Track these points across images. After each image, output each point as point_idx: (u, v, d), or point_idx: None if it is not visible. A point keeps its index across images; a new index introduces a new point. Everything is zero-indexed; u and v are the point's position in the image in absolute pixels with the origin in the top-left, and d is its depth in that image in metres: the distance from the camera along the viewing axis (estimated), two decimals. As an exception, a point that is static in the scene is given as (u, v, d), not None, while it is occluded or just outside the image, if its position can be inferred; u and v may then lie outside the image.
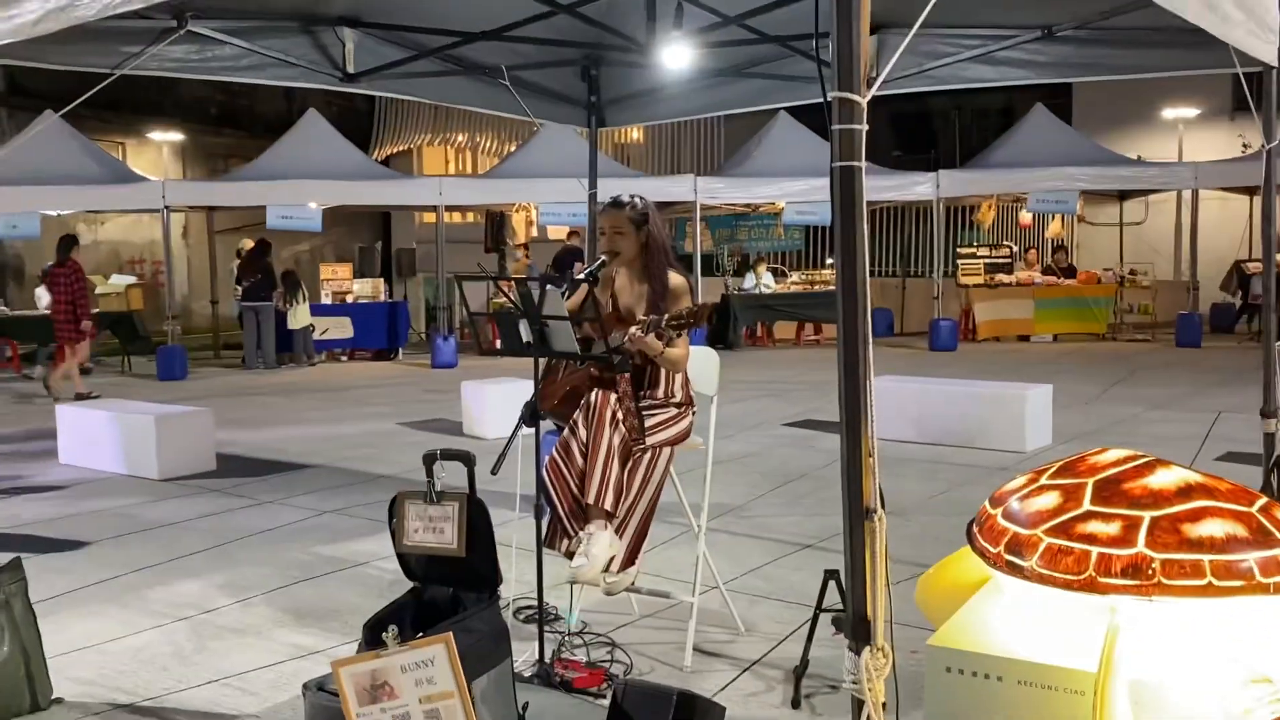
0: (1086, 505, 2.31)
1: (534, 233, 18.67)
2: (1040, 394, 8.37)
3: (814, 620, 3.99)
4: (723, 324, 16.57)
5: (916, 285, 20.73)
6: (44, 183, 13.76)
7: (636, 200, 4.19)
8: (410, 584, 3.43)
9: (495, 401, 9.15)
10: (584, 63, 5.72)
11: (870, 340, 2.03)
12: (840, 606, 4.00)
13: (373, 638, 3.13)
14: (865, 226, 1.99)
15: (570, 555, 3.94)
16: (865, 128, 1.91)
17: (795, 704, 3.79)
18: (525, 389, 9.32)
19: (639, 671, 4.09)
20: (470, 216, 23.84)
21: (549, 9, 4.97)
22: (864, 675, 1.98)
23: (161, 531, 6.36)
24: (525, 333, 3.79)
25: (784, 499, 6.90)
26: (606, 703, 3.75)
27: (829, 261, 22.60)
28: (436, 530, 3.24)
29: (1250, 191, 17.72)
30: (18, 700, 3.83)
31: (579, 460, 3.93)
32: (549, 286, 3.67)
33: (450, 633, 2.93)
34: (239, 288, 15.59)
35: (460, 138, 27.63)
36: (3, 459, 8.42)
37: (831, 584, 3.99)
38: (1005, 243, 19.69)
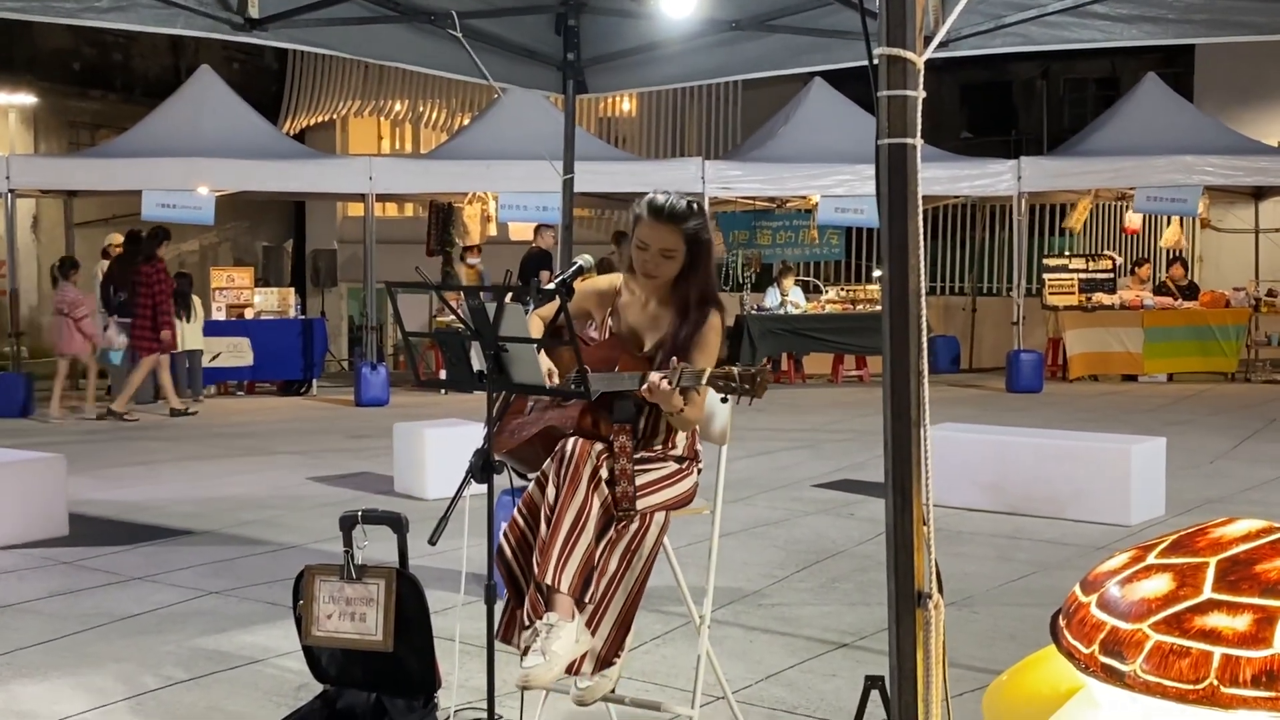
0: (1207, 593, 2.30)
1: (491, 231, 18.64)
2: (1150, 450, 8.38)
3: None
4: (732, 353, 16.58)
5: (990, 306, 20.83)
6: None
7: (696, 207, 4.19)
8: (321, 687, 3.40)
9: (437, 450, 9.15)
10: (559, 9, 5.75)
11: (925, 375, 2.03)
12: (886, 724, 4.00)
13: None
14: (919, 223, 1.99)
15: (526, 652, 3.92)
16: (921, 94, 1.92)
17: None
18: (474, 432, 9.39)
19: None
20: (409, 209, 23.88)
21: None
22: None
23: (-8, 616, 6.32)
24: (478, 359, 3.79)
25: (814, 582, 6.88)
26: None
27: (876, 274, 22.71)
28: (356, 617, 3.23)
29: None
30: None
31: (543, 528, 3.91)
32: (509, 299, 3.67)
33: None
34: (105, 303, 15.43)
35: (397, 107, 27.82)
36: None
37: (874, 693, 4.00)
38: (1106, 253, 19.77)
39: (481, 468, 3.92)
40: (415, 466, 9.30)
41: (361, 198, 16.96)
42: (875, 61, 1.94)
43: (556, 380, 3.92)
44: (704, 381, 3.84)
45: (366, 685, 3.30)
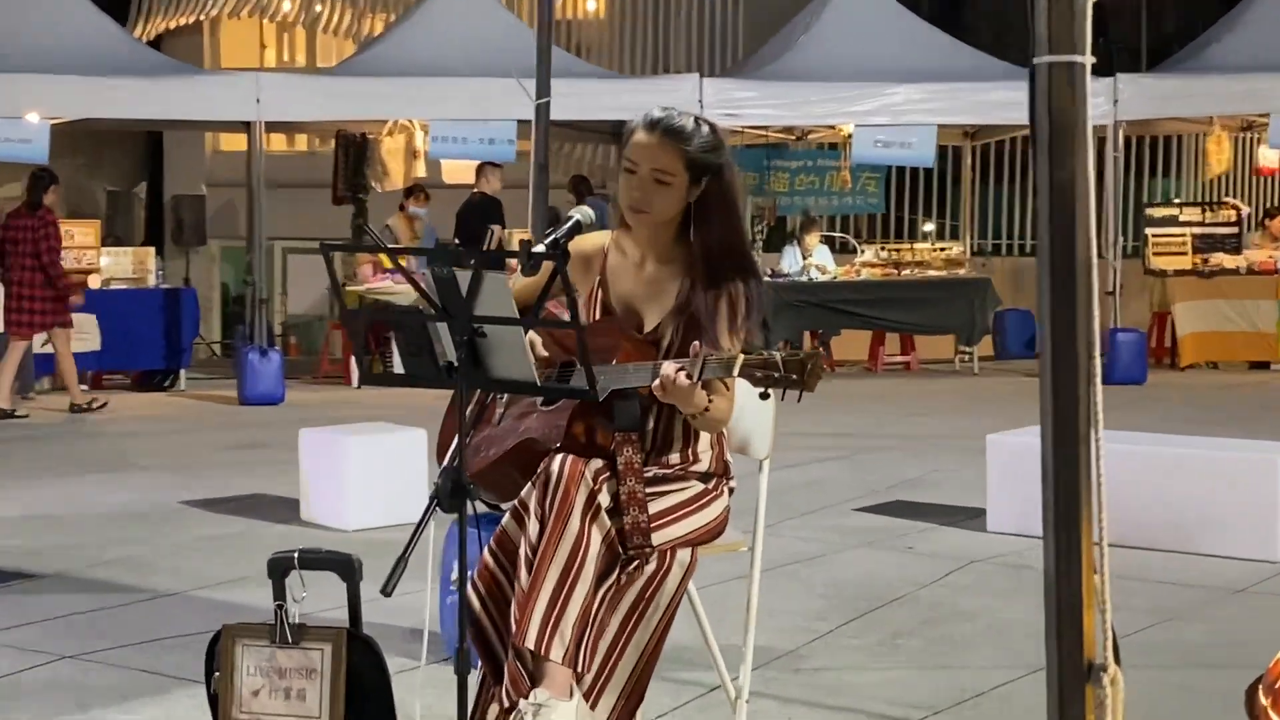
0: None
1: (419, 171, 18.44)
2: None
3: None
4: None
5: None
6: None
7: (705, 126, 4.14)
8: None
9: (362, 464, 9.10)
10: None
11: (1099, 378, 2.01)
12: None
13: None
14: (1089, 168, 1.97)
15: (505, 714, 3.88)
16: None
17: None
18: (412, 440, 9.35)
19: None
20: (303, 142, 23.65)
21: None
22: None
23: None
24: (446, 346, 3.74)
25: (868, 639, 6.85)
26: None
27: (927, 229, 22.71)
28: (292, 694, 3.20)
29: None
30: None
31: (523, 575, 3.86)
32: (491, 266, 3.63)
33: None
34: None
35: (285, 4, 27.57)
36: None
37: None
38: (1229, 200, 19.81)
39: (451, 492, 3.88)
40: (330, 487, 9.23)
41: (245, 126, 16.79)
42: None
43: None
44: (735, 372, 3.76)
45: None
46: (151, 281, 17.12)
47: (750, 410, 4.32)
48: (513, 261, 4.29)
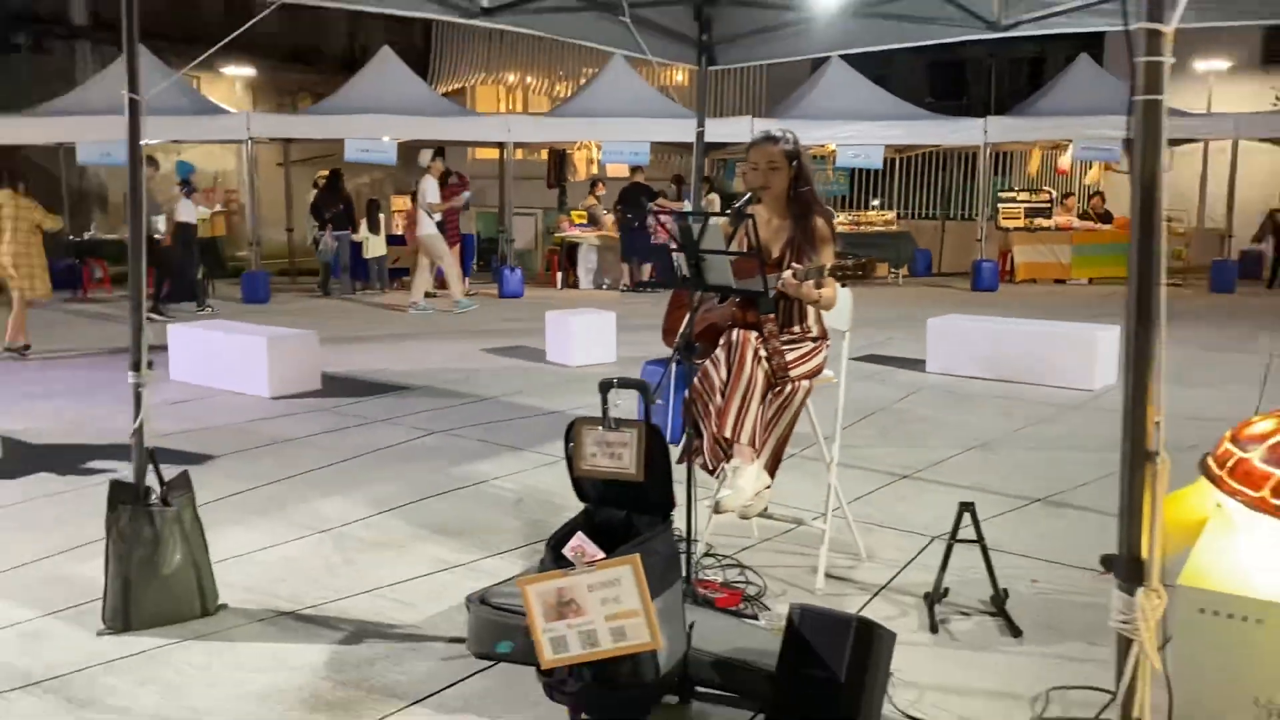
0: None
1: (594, 170, 18.31)
2: (1109, 335, 8.16)
3: (948, 550, 3.90)
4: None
5: (954, 228, 20.37)
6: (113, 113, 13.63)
7: (789, 135, 4.02)
8: (581, 505, 3.33)
9: (578, 332, 9.08)
10: (696, 2, 5.51)
11: (1164, 286, 1.89)
12: (967, 538, 3.91)
13: (556, 557, 3.06)
14: (1162, 163, 1.84)
15: (711, 473, 3.85)
16: (1171, 60, 1.76)
17: (933, 629, 3.71)
18: (605, 321, 9.29)
19: (772, 594, 4.02)
20: (519, 153, 23.57)
21: None
22: (1138, 615, 1.87)
23: (284, 447, 6.33)
24: (681, 266, 3.67)
25: (870, 431, 6.76)
26: (763, 623, 3.69)
27: (874, 204, 22.26)
28: (614, 456, 3.14)
29: None
30: (189, 606, 3.82)
31: (718, 397, 3.81)
32: (711, 221, 3.54)
33: (638, 555, 2.85)
34: (317, 219, 15.41)
35: (511, 77, 27.24)
36: (108, 373, 8.40)
37: (966, 515, 3.90)
38: (1044, 189, 19.24)
39: (685, 348, 3.83)
40: (563, 343, 9.21)
41: (498, 145, 16.66)
42: (1131, 29, 1.77)
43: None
44: (826, 273, 3.74)
45: (620, 506, 3.22)
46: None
47: (841, 303, 4.20)
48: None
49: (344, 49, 26.33)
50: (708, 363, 3.90)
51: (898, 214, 19.81)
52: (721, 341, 3.86)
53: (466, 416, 7.10)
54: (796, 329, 4.04)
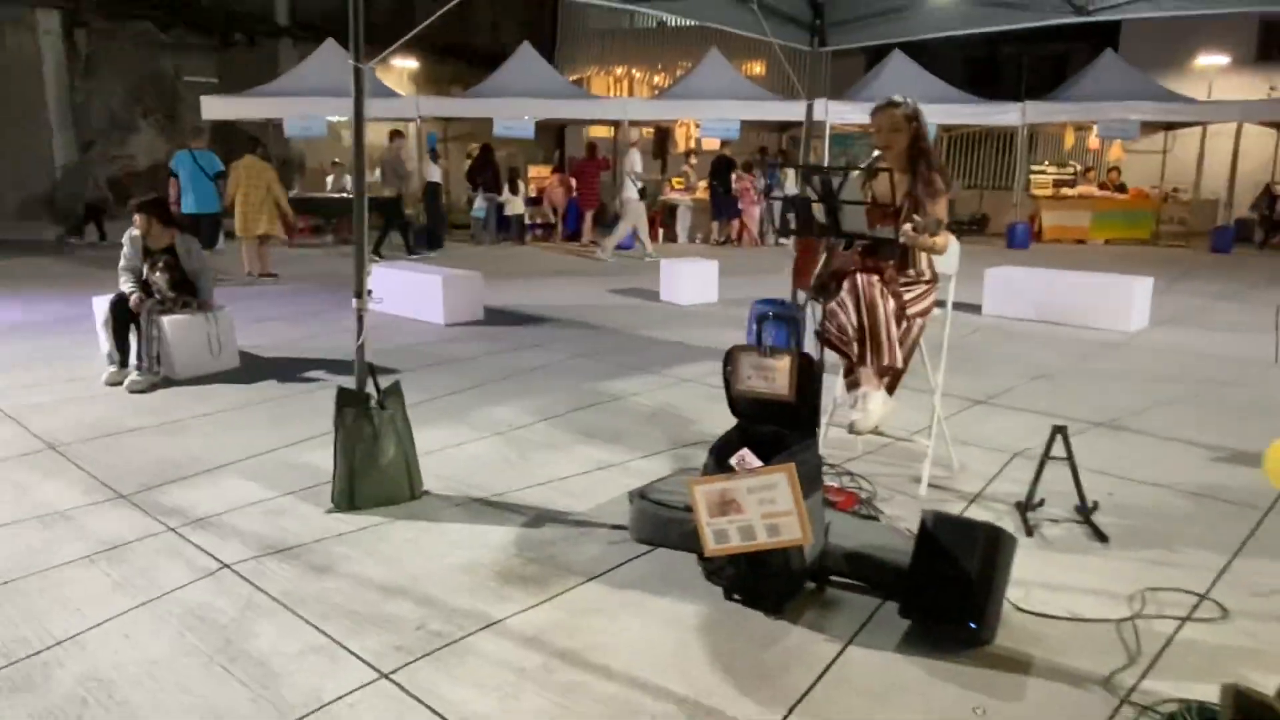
0: None
1: (692, 145, 17.77)
2: (1143, 285, 7.63)
3: (1041, 464, 3.60)
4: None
5: (992, 196, 19.37)
6: (325, 95, 13.61)
7: (908, 100, 3.66)
8: (735, 420, 3.11)
9: (686, 276, 8.84)
10: (812, -9, 5.12)
11: None
12: (1059, 456, 3.61)
13: (719, 462, 2.85)
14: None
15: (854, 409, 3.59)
16: None
17: (1028, 534, 3.43)
18: (709, 268, 8.98)
19: (882, 499, 3.77)
20: (635, 132, 23.14)
21: None
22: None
23: (458, 364, 6.23)
24: (819, 215, 3.38)
25: (946, 364, 6.38)
26: (899, 525, 3.45)
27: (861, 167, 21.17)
28: (768, 379, 2.92)
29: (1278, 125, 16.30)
30: (401, 491, 3.73)
31: (851, 332, 3.51)
32: (851, 174, 3.23)
33: (793, 464, 2.63)
34: (471, 184, 15.32)
35: (619, 70, 26.60)
36: (315, 303, 8.43)
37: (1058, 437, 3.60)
38: (1071, 163, 18.15)
39: (819, 289, 3.56)
40: (674, 286, 8.95)
41: (613, 124, 16.24)
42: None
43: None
44: (942, 228, 3.40)
45: (771, 422, 2.99)
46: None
47: (949, 250, 3.86)
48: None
49: (487, 45, 26.01)
50: (834, 304, 3.62)
51: (945, 183, 18.85)
52: (847, 286, 3.57)
53: (601, 344, 6.90)
54: (912, 272, 3.73)
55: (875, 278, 3.52)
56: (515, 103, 14.13)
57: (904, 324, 3.59)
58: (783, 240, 12.88)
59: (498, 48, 25.44)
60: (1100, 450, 4.45)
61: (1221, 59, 18.67)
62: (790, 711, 2.38)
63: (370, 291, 3.64)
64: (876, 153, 3.67)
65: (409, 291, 7.72)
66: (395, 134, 12.89)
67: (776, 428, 2.96)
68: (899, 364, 3.41)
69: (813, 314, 3.52)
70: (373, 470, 3.64)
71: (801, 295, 3.85)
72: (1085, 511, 3.51)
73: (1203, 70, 18.90)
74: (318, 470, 4.04)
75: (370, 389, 3.68)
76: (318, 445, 4.39)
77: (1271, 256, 15.13)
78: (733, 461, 2.80)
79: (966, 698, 2.44)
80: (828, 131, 15.33)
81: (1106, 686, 2.50)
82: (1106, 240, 16.46)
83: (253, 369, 5.89)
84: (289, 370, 5.90)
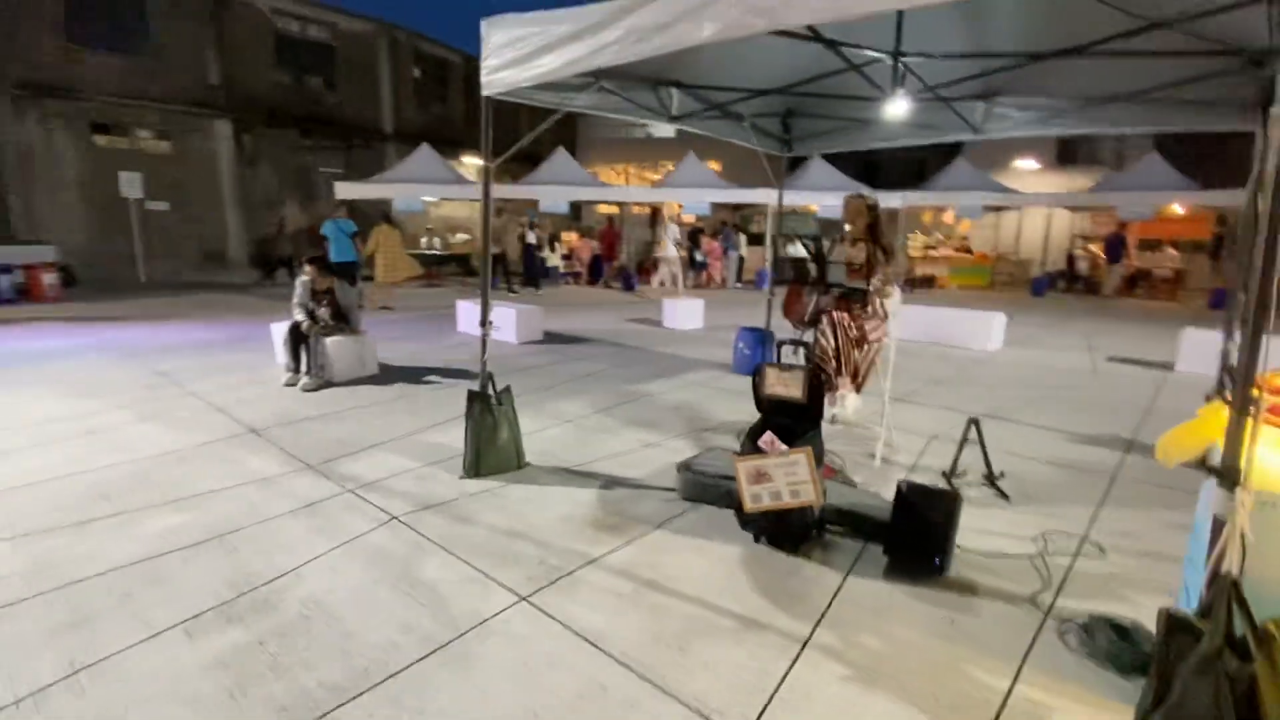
0: None
1: (676, 218, 17.61)
2: (999, 317, 7.61)
3: (961, 445, 3.56)
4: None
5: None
6: (422, 181, 13.49)
7: (868, 195, 3.63)
8: (759, 414, 3.04)
9: (683, 310, 8.72)
10: (784, 116, 5.07)
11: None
12: (972, 439, 3.56)
13: (753, 444, 2.78)
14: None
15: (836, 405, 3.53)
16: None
17: (948, 478, 3.38)
18: (697, 304, 8.87)
19: (851, 470, 3.71)
20: (633, 208, 23.05)
21: (772, 89, 4.31)
22: (1237, 504, 1.55)
23: (531, 371, 6.12)
24: (812, 269, 3.34)
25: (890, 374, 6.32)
26: (868, 489, 3.39)
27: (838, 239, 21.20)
28: (787, 385, 2.86)
29: (1073, 209, 16.60)
30: (511, 462, 3.65)
31: (832, 353, 3.46)
32: (836, 245, 3.19)
33: (810, 447, 2.57)
34: (522, 244, 15.14)
35: (619, 167, 26.46)
36: (421, 329, 8.27)
37: (971, 425, 3.56)
38: (935, 233, 18.25)
39: (810, 320, 3.51)
40: (674, 316, 8.82)
41: (620, 204, 16.12)
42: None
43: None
44: (890, 282, 3.36)
45: (787, 416, 2.93)
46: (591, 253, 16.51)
47: (895, 296, 3.81)
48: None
49: (533, 147, 25.92)
50: (816, 333, 3.57)
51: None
52: (827, 321, 3.53)
53: (629, 357, 6.79)
54: (869, 310, 3.70)
55: (847, 315, 3.49)
56: (555, 189, 14.03)
57: (866, 347, 3.55)
58: (737, 284, 12.87)
59: (536, 149, 25.29)
60: (989, 434, 4.41)
61: (1034, 164, 18.90)
62: (818, 624, 2.32)
63: (491, 321, 3.55)
64: (848, 226, 3.62)
65: (493, 319, 7.59)
66: (499, 211, 12.88)
67: (791, 421, 2.90)
68: (863, 375, 3.37)
69: (774, 346, 3.47)
70: (493, 448, 3.56)
71: (788, 323, 3.80)
72: (993, 478, 3.47)
73: (1019, 171, 19.16)
74: (446, 447, 3.94)
75: (490, 390, 3.59)
76: (444, 429, 4.29)
77: (1073, 299, 15.23)
78: (761, 443, 2.75)
79: (939, 613, 2.40)
80: (769, 213, 15.31)
81: (1033, 603, 2.46)
82: (959, 286, 16.53)
83: (389, 375, 5.78)
84: (414, 375, 5.79)
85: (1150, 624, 2.21)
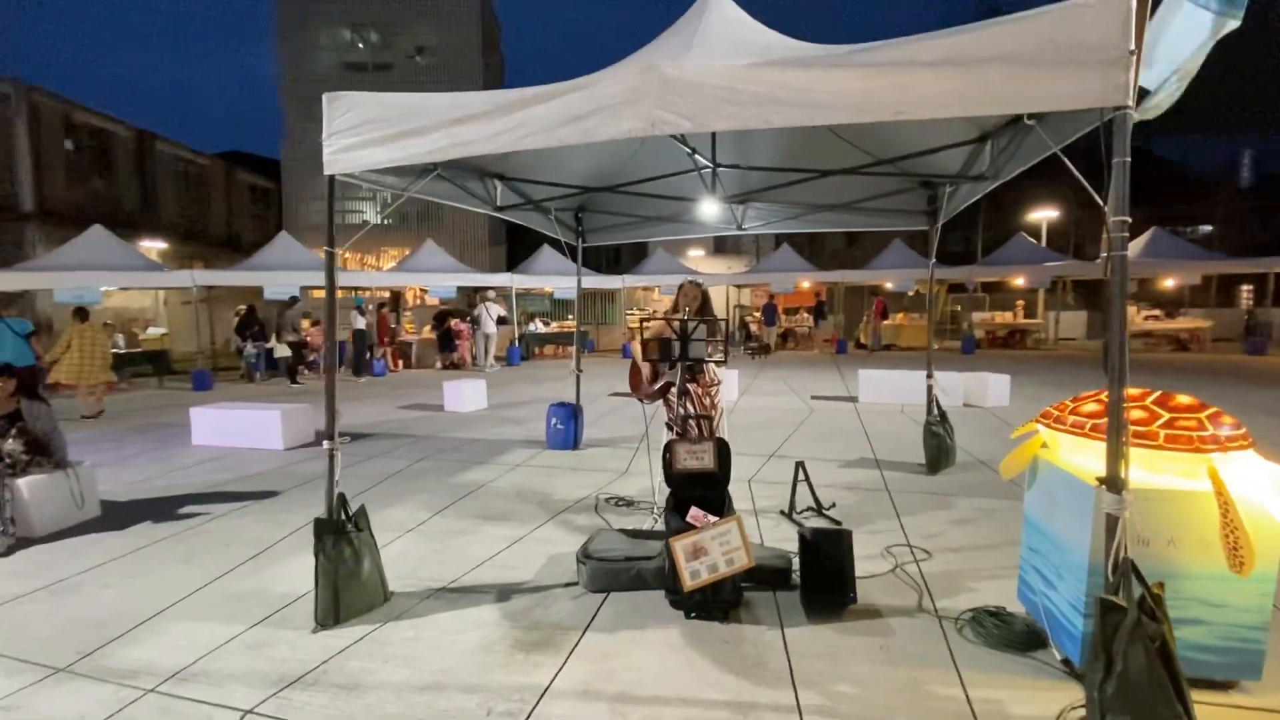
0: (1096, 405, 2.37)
1: (419, 301, 16.36)
2: (730, 374, 8.49)
3: (794, 485, 3.87)
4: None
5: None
6: (96, 269, 10.33)
7: (700, 280, 3.85)
8: (668, 489, 2.90)
9: (465, 392, 8.04)
10: (578, 211, 5.19)
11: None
12: (800, 482, 3.89)
13: (680, 520, 2.63)
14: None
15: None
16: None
17: (790, 516, 3.65)
18: (479, 384, 8.23)
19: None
20: (374, 290, 20.71)
21: (577, 190, 4.42)
22: (1125, 504, 1.90)
23: (321, 479, 4.91)
24: (675, 347, 3.36)
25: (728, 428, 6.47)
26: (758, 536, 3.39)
27: (569, 317, 21.90)
28: (698, 458, 2.79)
29: (739, 286, 20.23)
30: (377, 597, 2.87)
31: (692, 415, 3.46)
32: (693, 325, 3.29)
33: (737, 514, 2.55)
34: (239, 335, 12.49)
35: (374, 253, 23.62)
36: (137, 445, 6.10)
37: (800, 469, 3.89)
38: (648, 308, 20.16)
39: (657, 392, 3.50)
40: (457, 398, 8.01)
41: (361, 288, 14.47)
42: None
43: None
44: (725, 352, 3.59)
45: (701, 487, 2.86)
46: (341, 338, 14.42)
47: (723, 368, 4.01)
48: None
49: (224, 232, 21.79)
50: (673, 398, 3.59)
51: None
52: (678, 388, 3.57)
53: (428, 447, 5.83)
54: (709, 377, 3.85)
55: (697, 385, 3.58)
56: (282, 274, 11.97)
57: (716, 409, 3.68)
58: (494, 364, 12.47)
59: (232, 234, 21.54)
60: (776, 471, 4.62)
61: (701, 252, 22.55)
62: (796, 689, 2.23)
63: (346, 436, 2.78)
64: (686, 308, 3.76)
65: (243, 425, 5.99)
66: (293, 300, 10.40)
67: (706, 490, 2.83)
68: (719, 433, 3.47)
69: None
70: (355, 584, 2.74)
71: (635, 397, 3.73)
72: (823, 510, 3.84)
73: (692, 257, 22.57)
74: (266, 595, 2.91)
75: (344, 515, 2.78)
76: (246, 573, 3.17)
77: (747, 356, 17.74)
78: (691, 519, 2.62)
79: (871, 642, 2.51)
80: (514, 292, 15.32)
81: (920, 610, 2.73)
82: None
83: (119, 515, 4.07)
84: (159, 510, 4.18)
85: (1009, 606, 2.63)
